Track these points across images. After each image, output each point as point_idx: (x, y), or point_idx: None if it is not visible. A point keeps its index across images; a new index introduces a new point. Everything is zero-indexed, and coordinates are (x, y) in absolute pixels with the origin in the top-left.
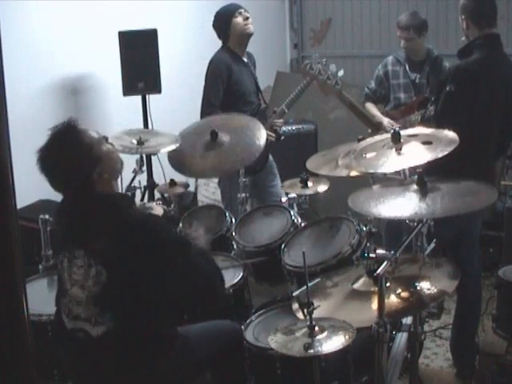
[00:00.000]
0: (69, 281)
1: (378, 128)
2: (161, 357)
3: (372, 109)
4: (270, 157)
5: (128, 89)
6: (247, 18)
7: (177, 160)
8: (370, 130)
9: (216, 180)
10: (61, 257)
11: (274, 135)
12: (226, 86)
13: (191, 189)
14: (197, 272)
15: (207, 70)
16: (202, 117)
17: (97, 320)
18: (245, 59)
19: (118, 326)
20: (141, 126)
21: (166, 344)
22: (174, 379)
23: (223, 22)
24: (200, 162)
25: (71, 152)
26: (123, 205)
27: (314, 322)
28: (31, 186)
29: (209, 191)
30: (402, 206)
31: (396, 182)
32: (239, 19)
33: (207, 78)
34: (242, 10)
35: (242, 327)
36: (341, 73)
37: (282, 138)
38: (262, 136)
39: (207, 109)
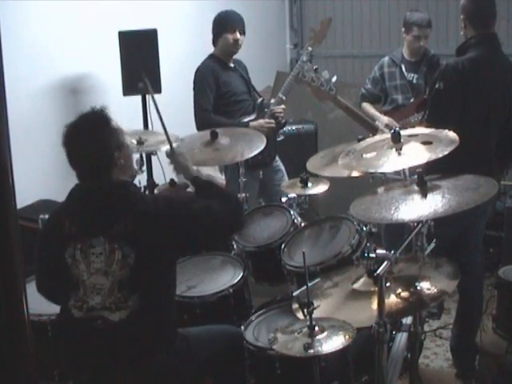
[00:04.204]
0: (86, 271)
1: (376, 130)
2: (164, 349)
3: (369, 109)
4: (277, 156)
5: (128, 89)
6: (237, 40)
7: None
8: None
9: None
10: (71, 250)
11: (273, 121)
12: (216, 90)
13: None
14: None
15: (194, 78)
16: (196, 123)
17: (118, 306)
18: (231, 64)
19: (144, 306)
20: (141, 126)
21: (170, 339)
22: (172, 377)
23: (215, 29)
24: (200, 154)
25: (101, 128)
26: (136, 190)
27: (314, 322)
28: (31, 186)
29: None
30: (404, 209)
31: (397, 184)
32: (230, 37)
33: (195, 86)
34: (238, 29)
35: (242, 327)
36: (334, 79)
37: (285, 121)
38: (261, 138)
39: (200, 114)
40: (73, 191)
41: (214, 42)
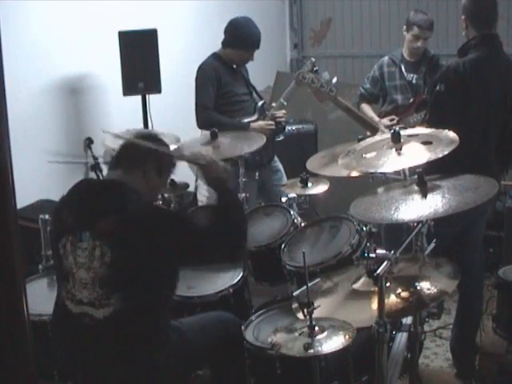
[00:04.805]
0: (74, 264)
1: (376, 130)
2: (159, 346)
3: (368, 111)
4: (276, 157)
5: (128, 89)
6: (248, 60)
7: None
8: (368, 133)
9: None
10: (64, 240)
11: (273, 123)
12: (217, 89)
13: (191, 189)
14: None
15: (196, 75)
16: (197, 121)
17: (101, 303)
18: (234, 66)
19: (127, 306)
20: (141, 126)
21: (164, 334)
22: (170, 371)
23: (234, 39)
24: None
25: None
26: (133, 196)
27: (314, 322)
28: (31, 186)
29: (209, 191)
30: (404, 209)
31: (397, 184)
32: (245, 55)
33: (197, 83)
34: (254, 53)
35: (242, 327)
36: (334, 80)
37: (284, 125)
38: (261, 136)
39: (202, 112)
40: (79, 182)
41: (225, 45)
